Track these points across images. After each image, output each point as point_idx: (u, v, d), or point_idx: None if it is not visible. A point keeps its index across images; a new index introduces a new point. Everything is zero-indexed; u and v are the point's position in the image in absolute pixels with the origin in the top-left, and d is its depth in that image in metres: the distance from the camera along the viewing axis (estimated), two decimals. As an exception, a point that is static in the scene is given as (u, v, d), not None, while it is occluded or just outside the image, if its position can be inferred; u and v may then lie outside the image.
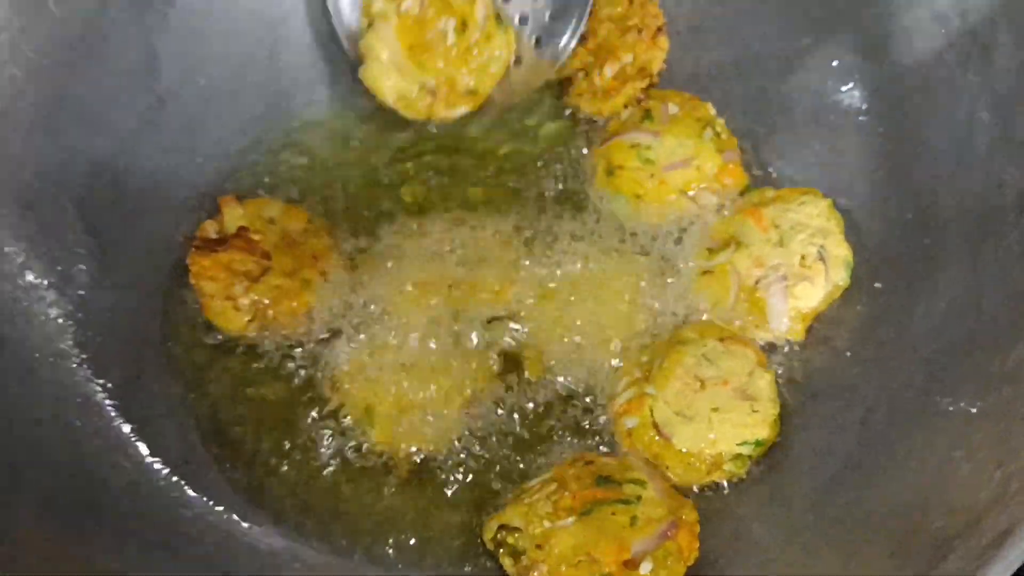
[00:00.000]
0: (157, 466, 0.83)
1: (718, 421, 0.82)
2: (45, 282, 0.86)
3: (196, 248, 0.90)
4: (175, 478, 0.83)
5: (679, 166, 0.97)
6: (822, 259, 0.89)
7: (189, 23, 0.99)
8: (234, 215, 0.93)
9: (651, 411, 0.84)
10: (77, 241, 0.89)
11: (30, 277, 0.85)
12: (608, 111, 1.03)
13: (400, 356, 0.89)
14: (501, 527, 0.78)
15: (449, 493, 0.85)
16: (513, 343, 0.91)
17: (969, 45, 0.87)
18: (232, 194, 0.95)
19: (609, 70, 1.02)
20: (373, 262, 0.94)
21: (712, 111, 1.00)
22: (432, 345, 0.89)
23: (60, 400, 0.82)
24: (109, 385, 0.85)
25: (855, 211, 0.94)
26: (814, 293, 0.89)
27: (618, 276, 0.94)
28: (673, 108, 0.99)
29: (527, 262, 0.94)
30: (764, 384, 0.85)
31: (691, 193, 0.97)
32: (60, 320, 0.85)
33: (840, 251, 0.90)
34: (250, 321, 0.89)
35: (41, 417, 0.80)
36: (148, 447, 0.83)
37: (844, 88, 0.98)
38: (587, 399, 0.88)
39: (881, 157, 0.95)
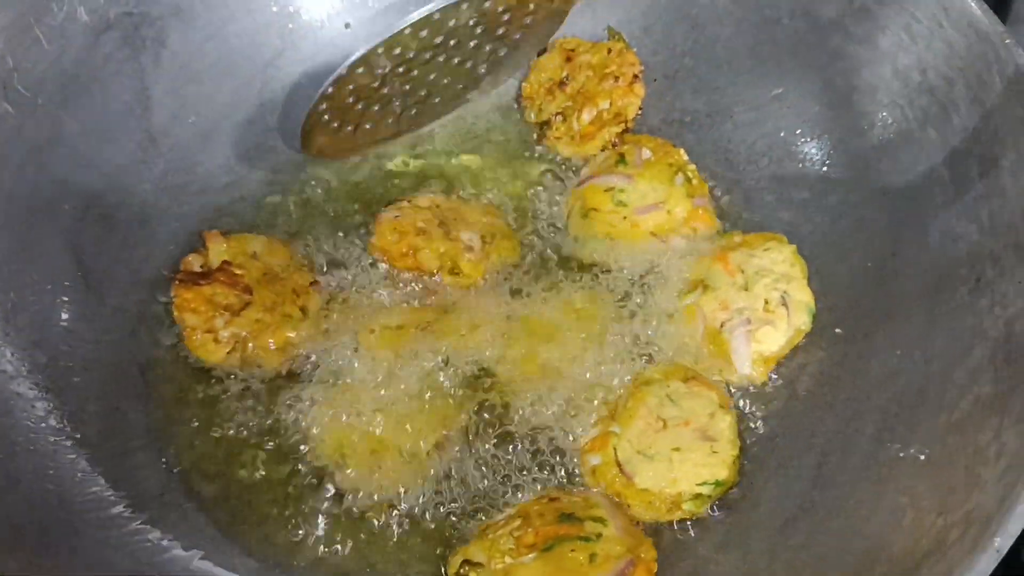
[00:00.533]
0: (131, 497, 0.84)
1: (679, 461, 0.84)
2: (29, 313, 0.88)
3: (180, 281, 0.92)
4: (149, 510, 0.84)
5: (651, 210, 1.00)
6: (784, 304, 0.92)
7: (181, 63, 1.02)
8: (218, 249, 0.96)
9: (615, 449, 0.86)
10: (64, 273, 0.92)
11: (14, 308, 0.87)
12: (584, 154, 1.07)
13: (373, 396, 0.91)
14: (464, 562, 0.80)
15: (419, 531, 0.86)
16: (482, 382, 0.93)
17: (928, 102, 0.90)
18: (218, 230, 0.98)
19: (587, 115, 1.06)
20: (351, 300, 0.97)
21: (684, 157, 1.03)
22: (403, 386, 0.91)
23: (35, 430, 0.83)
24: (87, 416, 0.87)
25: (820, 257, 0.96)
26: (776, 337, 0.91)
27: (588, 315, 0.96)
28: (647, 153, 1.03)
29: (499, 301, 0.97)
30: (725, 426, 0.87)
31: (662, 237, 1.00)
32: (42, 351, 0.87)
33: (802, 296, 0.93)
34: (230, 353, 0.92)
35: (16, 446, 0.81)
36: (122, 478, 0.85)
37: (810, 139, 1.01)
38: (555, 436, 0.90)
39: (844, 207, 0.98)
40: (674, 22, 1.09)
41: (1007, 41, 0.84)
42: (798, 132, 1.03)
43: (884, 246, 0.93)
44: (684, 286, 0.97)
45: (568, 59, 1.08)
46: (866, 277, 0.93)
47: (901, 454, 0.78)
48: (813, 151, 1.02)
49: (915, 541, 0.70)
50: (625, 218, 1.00)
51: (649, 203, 1.00)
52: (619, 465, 0.86)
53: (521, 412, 0.91)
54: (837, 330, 0.92)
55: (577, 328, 0.96)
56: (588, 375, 0.93)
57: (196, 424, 0.90)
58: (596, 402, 0.92)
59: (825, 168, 1.01)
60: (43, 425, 0.84)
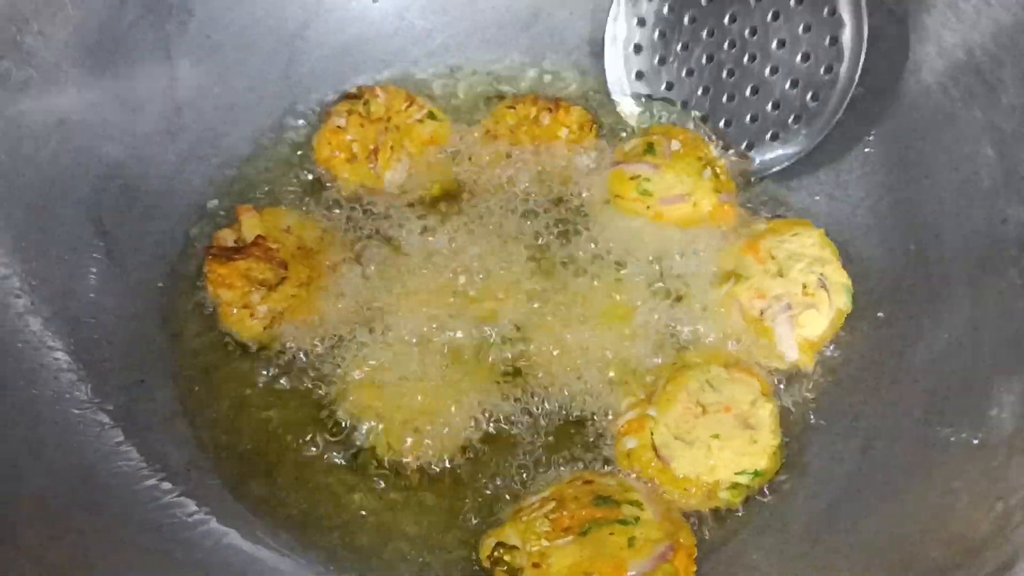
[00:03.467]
0: (157, 472, 0.82)
1: (717, 448, 0.82)
2: (53, 283, 0.86)
3: (213, 256, 0.90)
4: (175, 485, 0.82)
5: (677, 201, 0.98)
6: (824, 286, 0.90)
7: (207, 33, 1.01)
8: (252, 224, 0.94)
9: (651, 433, 0.84)
10: (86, 244, 0.90)
11: (38, 278, 0.85)
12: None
13: (408, 365, 0.89)
14: (498, 545, 0.78)
15: (449, 506, 0.84)
16: (518, 357, 0.91)
17: (974, 82, 0.88)
18: (247, 204, 0.96)
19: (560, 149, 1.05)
20: (385, 273, 0.95)
21: (714, 152, 1.02)
22: (438, 357, 0.90)
23: (61, 401, 0.81)
24: (112, 389, 0.85)
25: (859, 241, 0.95)
26: (820, 320, 0.90)
27: (621, 297, 0.94)
28: (676, 144, 1.01)
29: (532, 277, 0.95)
30: (766, 414, 0.85)
31: (685, 229, 0.99)
32: (66, 322, 0.85)
33: (840, 278, 0.91)
34: (266, 328, 0.90)
35: (40, 416, 0.79)
36: (148, 453, 0.83)
37: (852, 118, 0.99)
38: (589, 417, 0.88)
39: (885, 189, 0.96)
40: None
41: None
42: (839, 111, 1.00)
43: (927, 228, 0.91)
44: (714, 277, 0.95)
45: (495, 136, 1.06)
46: (908, 260, 0.92)
47: (952, 438, 0.77)
48: (853, 131, 0.99)
49: (972, 525, 0.68)
50: (649, 207, 0.99)
51: (675, 194, 0.99)
52: (655, 449, 0.83)
53: (556, 391, 0.89)
54: (879, 314, 0.90)
55: (611, 308, 0.94)
56: (623, 356, 0.91)
57: (223, 397, 0.88)
58: (633, 384, 0.89)
59: (866, 149, 0.99)
60: (67, 396, 0.81)
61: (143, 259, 0.94)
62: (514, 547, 0.77)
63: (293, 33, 1.06)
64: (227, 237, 0.93)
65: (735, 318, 0.92)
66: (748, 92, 1.01)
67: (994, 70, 0.87)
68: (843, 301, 0.90)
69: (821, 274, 0.91)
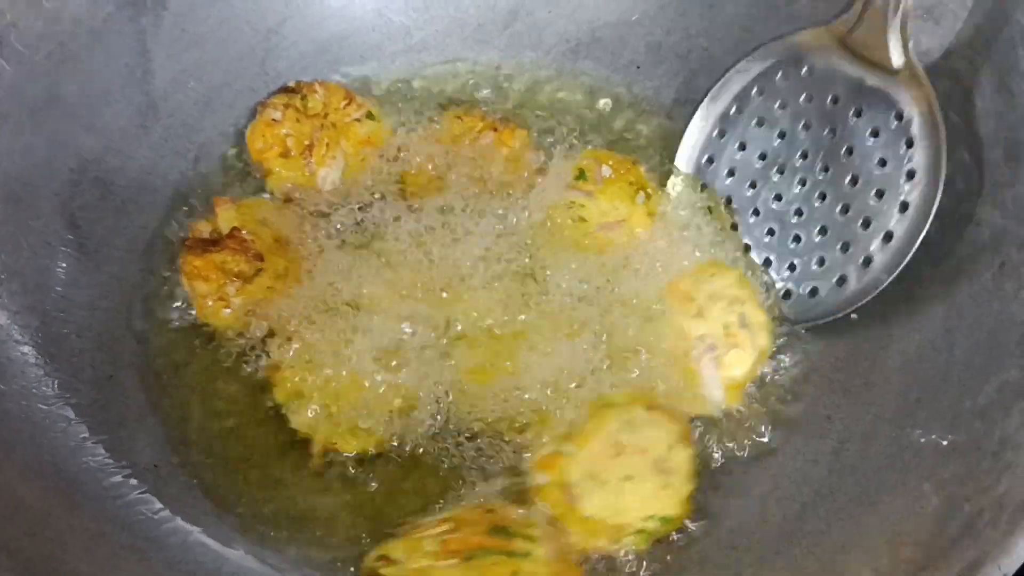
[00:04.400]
0: (124, 469, 0.81)
1: (629, 491, 0.81)
2: (23, 277, 0.85)
3: (188, 248, 0.90)
4: (142, 482, 0.81)
5: (613, 227, 0.98)
6: (745, 326, 0.90)
7: (183, 26, 0.99)
8: (228, 215, 0.93)
9: (562, 471, 0.82)
10: (58, 237, 0.89)
11: (7, 271, 0.84)
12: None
13: (350, 356, 0.88)
14: (381, 557, 0.77)
15: (351, 502, 0.84)
16: (452, 374, 0.89)
17: (950, 86, 0.88)
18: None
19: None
20: (355, 269, 0.94)
21: (643, 175, 1.01)
22: (382, 354, 0.89)
23: (28, 396, 0.81)
24: (80, 385, 0.84)
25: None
26: (745, 359, 0.89)
27: (548, 328, 0.92)
28: (606, 170, 1.00)
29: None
30: (682, 460, 0.82)
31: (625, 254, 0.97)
32: (35, 316, 0.84)
33: (759, 317, 0.91)
34: (241, 320, 0.89)
35: (10, 414, 0.78)
36: (117, 449, 0.82)
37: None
38: (512, 444, 0.86)
39: (862, 191, 0.96)
40: (689, 1, 1.07)
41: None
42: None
43: (903, 230, 0.91)
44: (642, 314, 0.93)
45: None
46: (883, 262, 0.91)
47: (923, 440, 0.77)
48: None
49: (942, 527, 0.68)
50: (586, 234, 0.97)
51: (610, 220, 0.98)
52: (566, 487, 0.81)
53: (479, 417, 0.87)
54: (852, 316, 0.90)
55: (539, 341, 0.91)
56: (554, 387, 0.88)
57: (194, 394, 0.88)
58: (555, 419, 0.87)
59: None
60: (35, 392, 0.81)
61: (116, 253, 0.93)
62: (396, 561, 0.76)
63: (270, 28, 1.05)
64: (203, 229, 0.92)
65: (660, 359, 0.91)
66: (816, 233, 0.93)
67: (971, 74, 0.87)
68: (765, 340, 0.90)
69: (741, 313, 0.91)
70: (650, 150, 1.06)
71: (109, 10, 0.93)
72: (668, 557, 0.81)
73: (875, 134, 0.88)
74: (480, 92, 1.11)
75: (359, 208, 0.98)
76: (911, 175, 0.86)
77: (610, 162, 1.01)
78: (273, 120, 1.00)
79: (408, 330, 0.90)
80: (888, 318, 0.88)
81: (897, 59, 0.86)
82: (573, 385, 0.88)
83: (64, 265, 0.88)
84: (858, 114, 0.90)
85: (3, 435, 0.76)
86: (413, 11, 1.11)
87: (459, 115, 1.04)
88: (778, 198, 0.96)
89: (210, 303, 0.89)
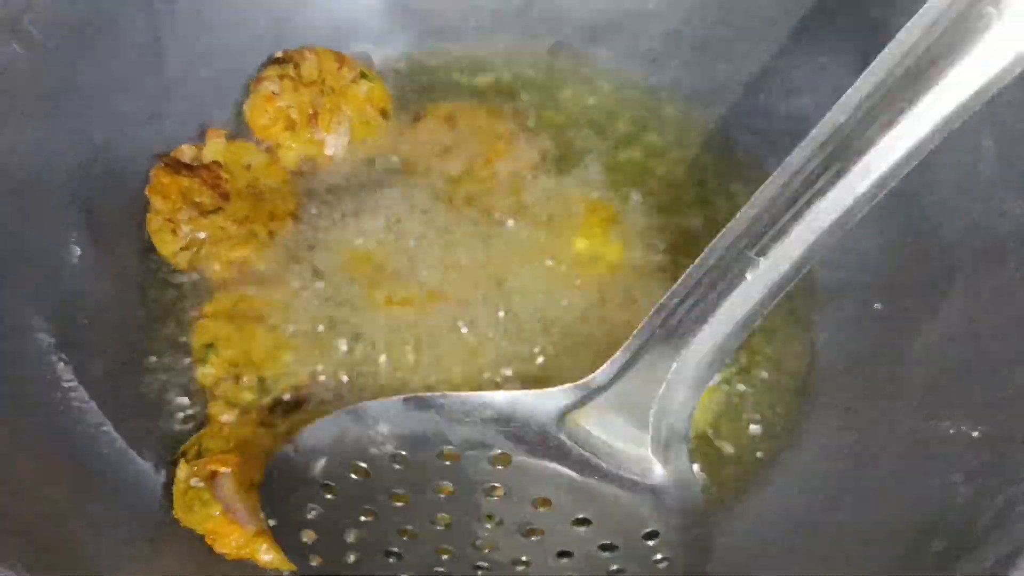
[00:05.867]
0: (141, 457, 0.81)
1: None
2: (37, 266, 0.84)
3: (164, 165, 0.91)
4: (159, 472, 0.81)
5: None
6: None
7: (197, 12, 0.98)
8: (215, 147, 0.94)
9: None
10: (70, 226, 0.88)
11: (22, 260, 0.83)
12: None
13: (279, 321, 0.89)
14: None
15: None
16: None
17: (973, 74, 0.88)
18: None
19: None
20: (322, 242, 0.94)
21: None
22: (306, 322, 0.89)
23: (44, 384, 0.80)
24: (96, 373, 0.83)
25: (856, 233, 0.92)
26: None
27: None
28: None
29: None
30: None
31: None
32: (50, 305, 0.83)
33: None
34: (183, 250, 0.89)
35: (25, 401, 0.77)
36: (131, 439, 0.82)
37: (849, 111, 0.99)
38: None
39: (883, 181, 0.95)
40: (708, -11, 1.06)
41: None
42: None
43: (926, 220, 0.90)
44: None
45: (451, 127, 1.04)
46: (906, 251, 0.91)
47: (951, 431, 0.76)
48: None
49: (974, 518, 0.67)
50: None
51: None
52: None
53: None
54: (876, 306, 0.89)
55: None
56: None
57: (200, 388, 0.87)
58: None
59: (865, 141, 0.98)
60: (50, 379, 0.80)
61: (129, 244, 0.91)
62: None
63: (284, 14, 1.04)
64: (187, 153, 0.93)
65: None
66: None
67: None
68: None
69: None
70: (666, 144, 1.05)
71: (122, -5, 0.92)
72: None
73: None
74: (491, 77, 1.10)
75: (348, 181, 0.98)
76: None
77: None
78: (272, 93, 0.98)
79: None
80: (911, 310, 0.87)
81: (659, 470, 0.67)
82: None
83: (78, 253, 0.87)
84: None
85: (19, 423, 0.75)
86: (429, -2, 1.10)
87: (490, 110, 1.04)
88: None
89: (160, 221, 0.89)
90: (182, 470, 0.78)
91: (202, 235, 0.89)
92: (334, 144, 0.99)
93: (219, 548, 0.75)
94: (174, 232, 0.89)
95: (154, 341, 0.89)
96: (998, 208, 0.84)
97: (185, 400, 0.86)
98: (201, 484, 0.76)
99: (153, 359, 0.88)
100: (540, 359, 0.89)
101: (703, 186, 1.03)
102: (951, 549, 0.66)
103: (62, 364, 0.81)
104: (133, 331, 0.88)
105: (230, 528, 0.75)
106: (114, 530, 0.74)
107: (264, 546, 0.75)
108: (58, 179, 0.88)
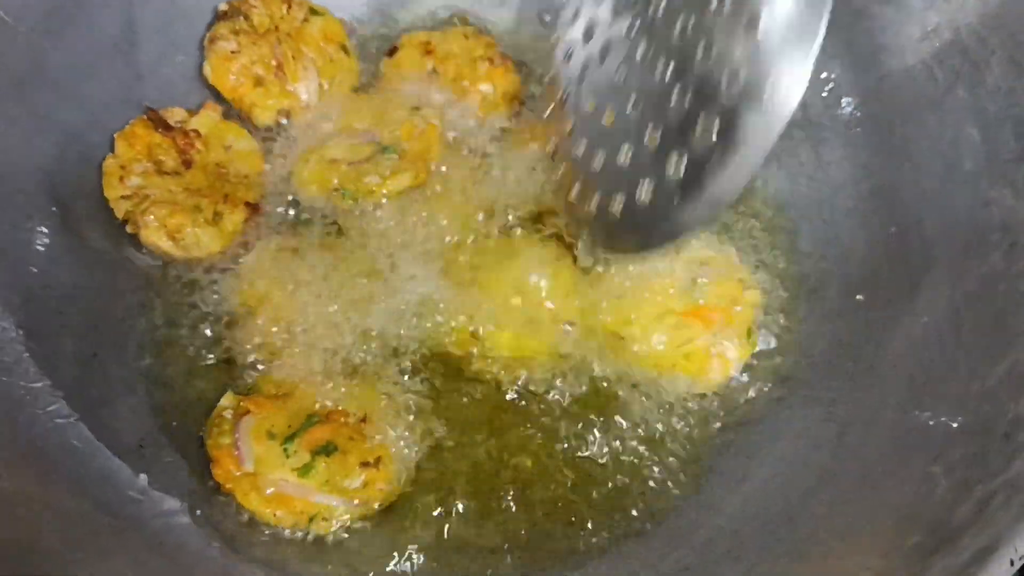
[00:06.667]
0: (109, 448, 0.79)
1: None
2: (4, 253, 0.82)
3: (147, 118, 0.92)
4: (126, 462, 0.79)
5: None
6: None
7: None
8: (205, 119, 0.94)
9: None
10: (41, 212, 0.86)
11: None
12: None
13: None
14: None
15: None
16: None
17: (960, 62, 0.86)
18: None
19: (473, 102, 1.01)
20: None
21: None
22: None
23: (9, 374, 0.78)
24: (63, 363, 0.82)
25: (840, 224, 0.94)
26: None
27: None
28: None
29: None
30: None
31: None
32: (16, 293, 0.81)
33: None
34: (124, 198, 0.89)
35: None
36: (100, 430, 0.80)
37: (833, 100, 0.97)
38: None
39: (867, 171, 0.94)
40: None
41: (1045, -4, 0.81)
42: (821, 94, 0.98)
43: (910, 212, 0.89)
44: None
45: (427, 52, 1.02)
46: (889, 243, 0.90)
47: (931, 423, 0.75)
48: (835, 113, 0.98)
49: (951, 510, 0.66)
50: None
51: None
52: None
53: None
54: (859, 297, 0.89)
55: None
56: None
57: (178, 373, 0.86)
58: None
59: (848, 131, 0.97)
60: (16, 370, 0.78)
61: (98, 230, 0.90)
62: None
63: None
64: (175, 115, 0.94)
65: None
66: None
67: (980, 50, 0.85)
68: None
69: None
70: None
71: (95, -19, 0.91)
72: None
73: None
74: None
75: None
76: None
77: None
78: (231, 52, 0.95)
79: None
80: (893, 301, 0.86)
81: None
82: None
83: (47, 241, 0.85)
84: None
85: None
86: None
87: (466, 34, 1.02)
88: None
89: (115, 166, 0.89)
90: (226, 398, 0.82)
91: (150, 192, 0.88)
92: (306, 90, 0.97)
93: (215, 473, 0.79)
94: (122, 179, 0.88)
95: (127, 331, 0.87)
96: (982, 199, 0.83)
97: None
98: (230, 416, 0.80)
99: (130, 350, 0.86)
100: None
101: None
102: (928, 542, 0.65)
103: (28, 355, 0.79)
104: (103, 320, 0.86)
105: (229, 460, 0.79)
106: (79, 521, 0.72)
107: (247, 487, 0.78)
108: (27, 166, 0.86)
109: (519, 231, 0.93)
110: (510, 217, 0.94)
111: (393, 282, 0.90)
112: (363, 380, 0.86)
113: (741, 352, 0.86)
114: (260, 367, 0.86)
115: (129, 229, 0.88)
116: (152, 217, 0.87)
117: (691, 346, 0.85)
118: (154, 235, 0.87)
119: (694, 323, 0.85)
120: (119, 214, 0.88)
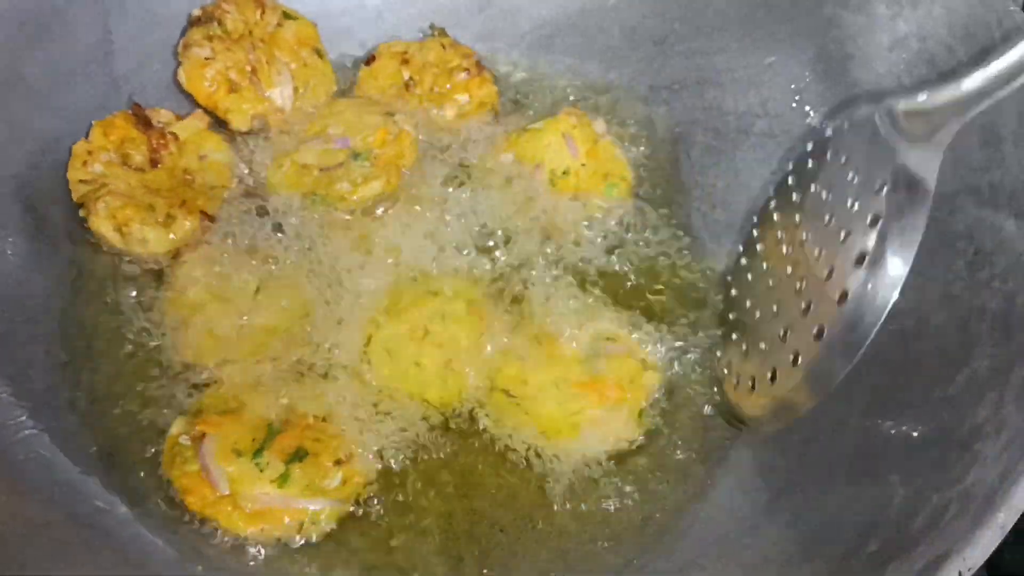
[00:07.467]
0: (73, 459, 0.79)
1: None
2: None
3: (131, 113, 0.93)
4: (94, 473, 0.79)
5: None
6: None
7: (146, 7, 0.97)
8: (188, 126, 0.96)
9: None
10: (13, 220, 0.87)
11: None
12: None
13: None
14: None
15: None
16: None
17: (928, 72, 0.87)
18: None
19: (450, 111, 1.02)
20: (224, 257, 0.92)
21: None
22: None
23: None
24: (33, 372, 0.82)
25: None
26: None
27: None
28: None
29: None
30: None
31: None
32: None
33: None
34: (82, 182, 0.90)
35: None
36: (65, 439, 0.80)
37: (802, 109, 0.98)
38: None
39: (836, 179, 0.95)
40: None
41: (1011, 7, 0.81)
42: (790, 103, 0.99)
43: (875, 220, 0.89)
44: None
45: (404, 62, 1.04)
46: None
47: (892, 431, 0.76)
48: (804, 121, 0.98)
49: (908, 518, 0.67)
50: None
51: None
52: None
53: None
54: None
55: None
56: None
57: (139, 386, 0.86)
58: None
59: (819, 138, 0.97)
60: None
61: (72, 239, 0.90)
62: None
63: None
64: (163, 116, 0.95)
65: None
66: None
67: (947, 59, 0.86)
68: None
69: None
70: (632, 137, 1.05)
71: (71, -11, 0.91)
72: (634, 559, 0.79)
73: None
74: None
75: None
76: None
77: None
78: (206, 59, 0.96)
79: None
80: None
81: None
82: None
83: (21, 249, 0.86)
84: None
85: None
86: (386, -6, 1.09)
87: (444, 44, 1.04)
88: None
89: (83, 151, 0.90)
90: (176, 425, 0.81)
91: (108, 182, 0.89)
92: (281, 96, 0.98)
93: (189, 503, 0.77)
94: (86, 164, 0.89)
95: (97, 339, 0.87)
96: (948, 206, 0.83)
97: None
98: (188, 442, 0.79)
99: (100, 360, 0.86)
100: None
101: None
102: (884, 551, 0.66)
103: (-2, 361, 0.79)
104: (76, 327, 0.87)
105: (203, 487, 0.77)
106: (46, 532, 0.72)
107: (229, 509, 0.77)
108: (3, 174, 0.87)
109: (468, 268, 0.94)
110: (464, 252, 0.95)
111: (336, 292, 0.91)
112: (313, 380, 0.86)
113: (629, 432, 0.86)
114: (204, 381, 0.85)
115: (81, 213, 0.89)
116: (103, 204, 0.87)
117: (580, 416, 0.85)
118: (102, 223, 0.87)
119: (589, 394, 0.86)
120: (75, 196, 0.89)
